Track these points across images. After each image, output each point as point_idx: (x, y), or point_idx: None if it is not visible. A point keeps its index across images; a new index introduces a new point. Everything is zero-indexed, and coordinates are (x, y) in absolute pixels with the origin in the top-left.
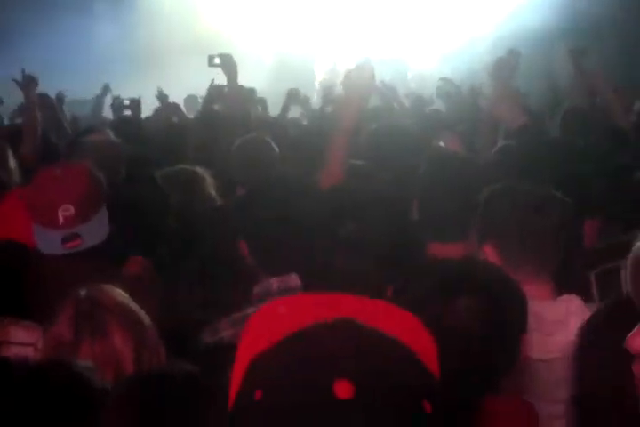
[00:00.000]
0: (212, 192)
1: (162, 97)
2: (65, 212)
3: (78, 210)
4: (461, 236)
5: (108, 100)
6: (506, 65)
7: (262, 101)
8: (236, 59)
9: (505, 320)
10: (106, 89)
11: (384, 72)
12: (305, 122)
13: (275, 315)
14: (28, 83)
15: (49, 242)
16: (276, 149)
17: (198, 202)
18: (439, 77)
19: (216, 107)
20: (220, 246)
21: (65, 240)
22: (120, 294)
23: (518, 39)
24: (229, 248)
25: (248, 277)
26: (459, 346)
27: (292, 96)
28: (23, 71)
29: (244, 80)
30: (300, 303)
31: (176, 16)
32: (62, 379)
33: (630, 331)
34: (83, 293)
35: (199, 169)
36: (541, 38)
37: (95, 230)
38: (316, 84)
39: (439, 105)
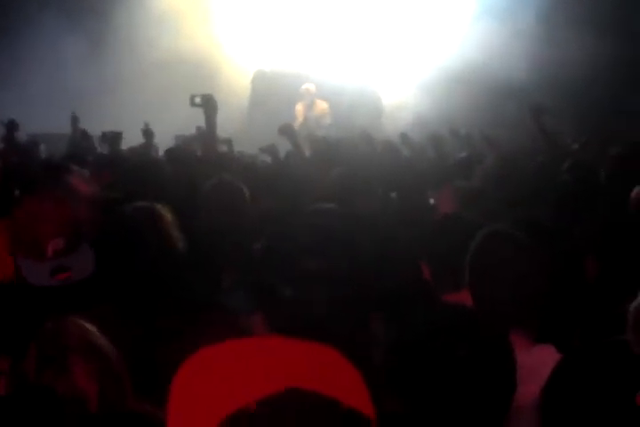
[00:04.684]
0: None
1: (148, 133)
2: (54, 245)
3: (67, 242)
4: None
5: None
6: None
7: (228, 142)
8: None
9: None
10: (74, 120)
11: (360, 114)
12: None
13: (208, 383)
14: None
15: (37, 274)
16: (247, 194)
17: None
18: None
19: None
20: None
21: (54, 272)
22: (85, 329)
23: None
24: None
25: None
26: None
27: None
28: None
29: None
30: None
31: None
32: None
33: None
34: (46, 329)
35: (158, 206)
36: (513, 87)
37: (82, 261)
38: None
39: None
